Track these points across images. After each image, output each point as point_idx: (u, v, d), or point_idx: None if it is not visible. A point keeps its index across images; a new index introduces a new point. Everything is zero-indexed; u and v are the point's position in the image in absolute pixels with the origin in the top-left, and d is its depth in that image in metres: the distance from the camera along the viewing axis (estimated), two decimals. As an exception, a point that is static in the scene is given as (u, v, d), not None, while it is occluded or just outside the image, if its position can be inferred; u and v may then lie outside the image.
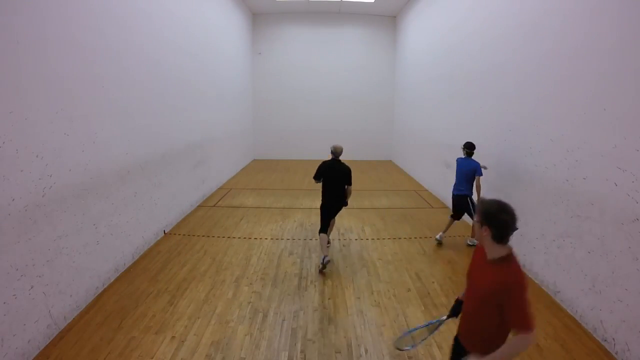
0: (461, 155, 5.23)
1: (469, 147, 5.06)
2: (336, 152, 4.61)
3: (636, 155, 2.86)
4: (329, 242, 4.77)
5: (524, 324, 1.66)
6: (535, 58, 4.28)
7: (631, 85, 2.91)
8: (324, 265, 4.31)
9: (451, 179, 7.07)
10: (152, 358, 2.85)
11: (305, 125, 12.77)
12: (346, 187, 4.62)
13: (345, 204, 4.75)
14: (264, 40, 12.22)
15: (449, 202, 7.18)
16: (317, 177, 4.63)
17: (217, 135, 8.37)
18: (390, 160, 12.67)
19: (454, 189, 5.24)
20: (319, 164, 4.65)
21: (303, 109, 12.68)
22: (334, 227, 5.80)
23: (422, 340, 2.25)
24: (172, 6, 5.67)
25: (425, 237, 5.49)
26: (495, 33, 5.31)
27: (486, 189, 5.53)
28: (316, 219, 6.23)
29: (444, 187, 7.56)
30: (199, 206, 6.90)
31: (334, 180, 4.55)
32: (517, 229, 1.75)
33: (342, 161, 4.63)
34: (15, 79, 2.70)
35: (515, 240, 5.18)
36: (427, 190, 8.53)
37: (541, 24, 4.16)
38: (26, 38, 2.79)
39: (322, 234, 4.54)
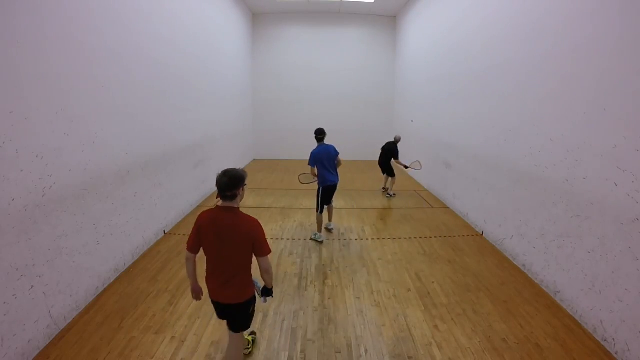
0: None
1: (322, 133, 5.20)
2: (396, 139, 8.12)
3: (636, 155, 2.86)
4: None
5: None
6: (535, 58, 4.28)
7: (631, 85, 2.92)
8: None
9: (452, 179, 7.10)
10: (152, 358, 2.85)
11: (305, 125, 12.73)
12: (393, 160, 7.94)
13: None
14: (264, 40, 12.22)
15: (449, 202, 7.20)
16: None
17: (217, 135, 8.37)
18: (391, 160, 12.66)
19: (331, 179, 5.19)
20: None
21: (303, 108, 12.67)
22: (335, 227, 5.87)
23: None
24: (172, 6, 5.67)
25: (425, 237, 5.49)
26: (495, 33, 5.31)
27: (486, 189, 5.54)
28: (315, 219, 6.22)
29: (444, 187, 7.57)
30: (199, 206, 6.90)
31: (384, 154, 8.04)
32: (222, 184, 2.19)
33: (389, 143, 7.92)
34: (15, 79, 2.70)
35: (515, 240, 5.17)
36: (427, 190, 8.54)
37: (541, 24, 4.16)
38: (26, 38, 2.79)
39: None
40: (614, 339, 3.00)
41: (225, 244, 2.22)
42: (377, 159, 8.41)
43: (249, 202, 7.12)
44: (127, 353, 2.89)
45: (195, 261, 2.39)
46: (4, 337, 2.57)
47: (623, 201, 2.97)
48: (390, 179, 8.13)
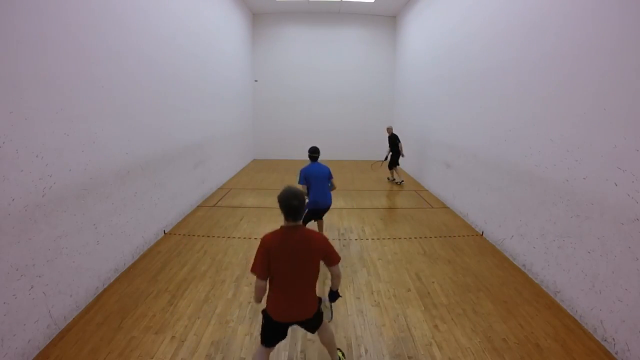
0: None
1: (316, 151, 4.71)
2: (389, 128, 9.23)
3: (636, 155, 2.86)
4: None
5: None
6: (535, 58, 4.28)
7: (631, 85, 2.92)
8: None
9: (452, 179, 7.10)
10: (152, 358, 2.85)
11: (305, 125, 12.77)
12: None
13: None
14: (264, 40, 12.23)
15: (449, 202, 7.20)
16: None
17: (217, 135, 8.37)
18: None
19: (322, 201, 4.58)
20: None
21: (303, 109, 12.68)
22: (333, 226, 5.85)
23: None
24: (172, 6, 5.67)
25: (425, 237, 5.49)
26: (495, 33, 5.31)
27: (486, 189, 5.54)
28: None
29: (444, 187, 7.57)
30: (198, 206, 6.90)
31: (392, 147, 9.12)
32: (292, 207, 2.24)
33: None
34: (15, 79, 2.70)
35: (515, 240, 5.17)
36: (427, 190, 8.53)
37: (541, 24, 4.16)
38: (26, 38, 2.79)
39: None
40: (614, 339, 3.00)
41: (298, 260, 2.25)
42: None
43: (248, 202, 7.13)
44: (127, 353, 2.89)
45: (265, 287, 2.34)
46: (4, 337, 2.57)
47: (623, 201, 2.97)
48: (395, 168, 9.21)
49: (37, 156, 2.90)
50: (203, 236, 5.40)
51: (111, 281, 3.99)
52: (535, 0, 4.32)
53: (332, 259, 2.36)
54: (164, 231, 5.45)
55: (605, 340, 3.09)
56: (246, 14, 11.28)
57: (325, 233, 5.59)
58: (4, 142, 2.58)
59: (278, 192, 2.33)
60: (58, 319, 3.13)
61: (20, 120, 2.73)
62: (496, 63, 5.29)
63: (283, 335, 2.49)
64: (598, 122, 3.28)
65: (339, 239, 5.39)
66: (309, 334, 3.19)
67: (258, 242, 2.35)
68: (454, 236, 5.56)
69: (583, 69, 3.48)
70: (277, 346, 3.00)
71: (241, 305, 3.60)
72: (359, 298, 3.79)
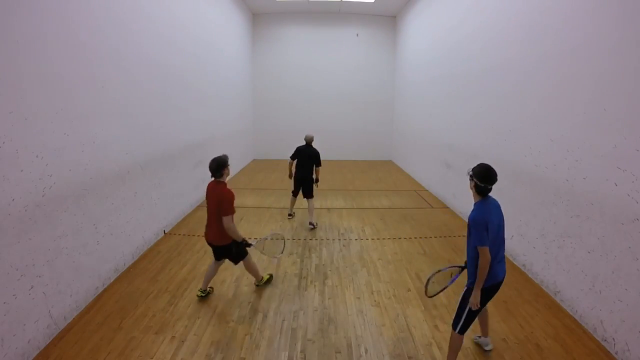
0: None
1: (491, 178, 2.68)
2: (308, 140, 5.97)
3: (636, 155, 2.86)
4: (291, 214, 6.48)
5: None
6: (535, 58, 4.28)
7: (631, 85, 2.92)
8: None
9: (451, 178, 7.09)
10: (152, 358, 2.85)
11: (305, 125, 12.71)
12: (315, 167, 5.88)
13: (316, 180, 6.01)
14: (264, 40, 12.22)
15: (449, 202, 7.20)
16: (293, 157, 5.98)
17: (217, 135, 8.36)
18: (391, 160, 12.67)
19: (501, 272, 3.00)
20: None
21: (303, 108, 12.67)
22: (333, 226, 5.87)
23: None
24: (172, 6, 5.67)
25: (426, 237, 5.49)
26: (495, 33, 5.31)
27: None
28: (316, 219, 6.23)
29: (444, 187, 7.57)
30: (198, 206, 6.89)
31: (307, 160, 5.86)
32: (211, 169, 3.49)
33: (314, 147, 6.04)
34: (15, 79, 2.70)
35: (515, 240, 5.16)
36: (427, 190, 8.53)
37: (541, 24, 4.16)
38: (26, 38, 2.79)
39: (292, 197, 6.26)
40: (614, 339, 3.00)
41: (209, 203, 3.49)
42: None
43: (249, 202, 7.12)
44: (127, 353, 2.89)
45: None
46: (4, 337, 2.57)
47: (623, 201, 2.97)
48: (310, 200, 5.90)
49: (37, 156, 2.90)
50: (203, 236, 5.37)
51: (111, 281, 3.99)
52: (534, 0, 4.32)
53: (222, 210, 3.35)
54: (164, 231, 5.44)
55: (605, 340, 3.10)
56: (246, 14, 11.28)
57: (328, 233, 5.60)
58: (4, 142, 2.58)
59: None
60: (58, 319, 3.13)
61: (20, 120, 2.73)
62: (496, 63, 5.29)
63: (218, 255, 3.70)
64: (598, 122, 3.28)
65: (339, 239, 5.39)
66: (309, 333, 3.20)
67: (258, 242, 2.37)
68: (454, 236, 5.56)
69: (583, 69, 3.48)
70: (277, 346, 3.03)
71: (241, 305, 3.61)
72: (359, 298, 3.79)
